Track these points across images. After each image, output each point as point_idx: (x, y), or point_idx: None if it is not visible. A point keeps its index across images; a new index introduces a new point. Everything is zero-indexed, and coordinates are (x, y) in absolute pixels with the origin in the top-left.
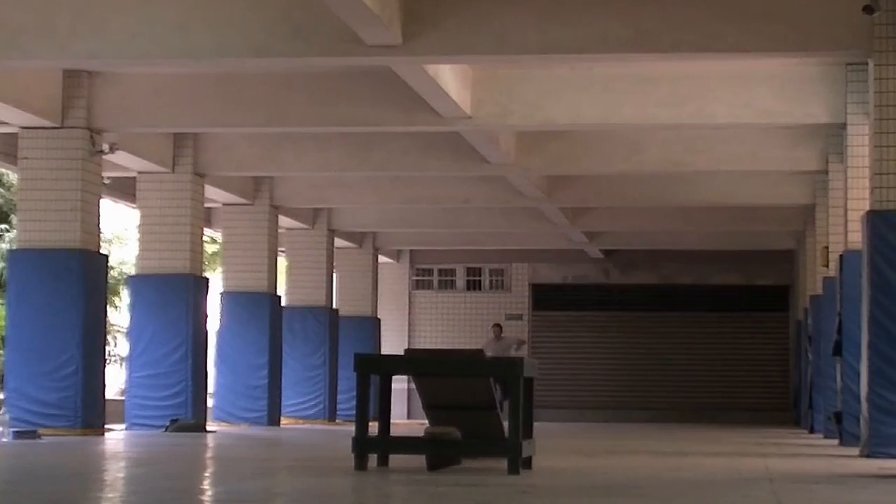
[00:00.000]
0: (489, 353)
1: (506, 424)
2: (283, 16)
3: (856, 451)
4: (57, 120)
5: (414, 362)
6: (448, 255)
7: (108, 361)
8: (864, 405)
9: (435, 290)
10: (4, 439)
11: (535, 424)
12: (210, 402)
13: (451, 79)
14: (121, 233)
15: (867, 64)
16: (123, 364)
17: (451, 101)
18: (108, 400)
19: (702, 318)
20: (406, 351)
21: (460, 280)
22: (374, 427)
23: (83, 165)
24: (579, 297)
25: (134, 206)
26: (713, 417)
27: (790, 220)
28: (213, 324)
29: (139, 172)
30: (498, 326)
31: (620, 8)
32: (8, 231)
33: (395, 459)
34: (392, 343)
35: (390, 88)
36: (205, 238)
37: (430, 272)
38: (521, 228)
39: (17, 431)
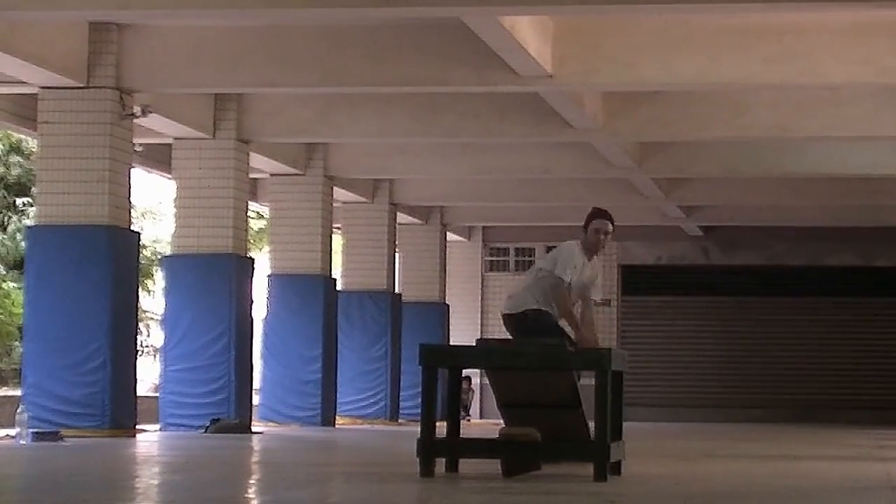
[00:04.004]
0: (574, 279)
1: (591, 424)
2: None
3: None
4: (82, 79)
5: (487, 354)
6: (525, 232)
7: (139, 353)
8: None
9: (511, 271)
10: (23, 441)
11: (625, 425)
12: (256, 400)
13: (529, 32)
14: (154, 207)
15: None
16: (157, 356)
17: (530, 58)
18: (140, 397)
19: (814, 304)
20: (478, 341)
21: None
22: (441, 428)
23: (112, 130)
24: (675, 280)
25: (169, 176)
26: (827, 417)
27: None
28: (260, 310)
29: (175, 138)
30: (604, 216)
31: None
32: (30, 205)
33: (466, 464)
34: (462, 332)
35: (460, 43)
36: (250, 213)
37: (505, 251)
38: (609, 202)
39: (38, 432)
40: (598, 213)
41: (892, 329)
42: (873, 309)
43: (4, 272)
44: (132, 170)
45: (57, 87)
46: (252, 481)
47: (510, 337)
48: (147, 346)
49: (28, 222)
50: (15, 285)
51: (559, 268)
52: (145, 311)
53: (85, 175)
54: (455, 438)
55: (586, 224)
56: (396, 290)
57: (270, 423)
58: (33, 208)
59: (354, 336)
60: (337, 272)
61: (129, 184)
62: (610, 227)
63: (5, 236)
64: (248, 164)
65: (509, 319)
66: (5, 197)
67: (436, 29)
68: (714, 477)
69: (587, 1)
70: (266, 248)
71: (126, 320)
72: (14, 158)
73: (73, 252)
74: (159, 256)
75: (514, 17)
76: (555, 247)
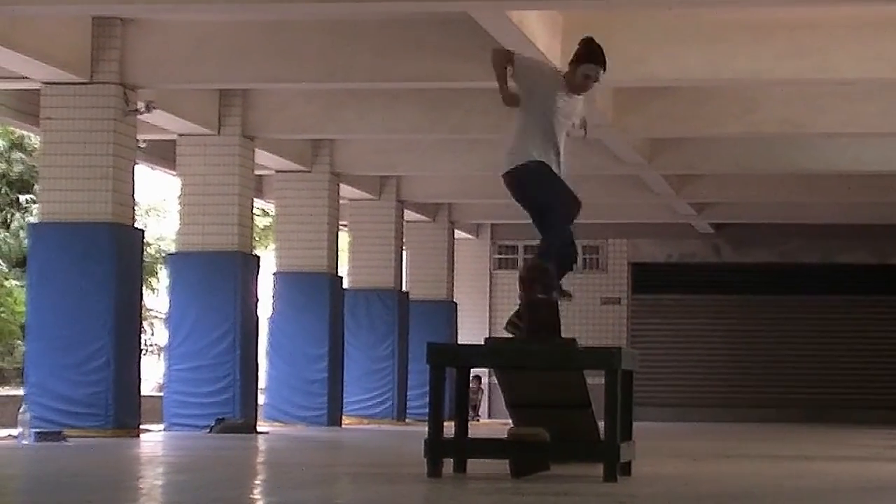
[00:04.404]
0: (558, 103)
1: (601, 425)
2: None
3: None
4: (85, 74)
5: (496, 353)
6: (535, 229)
7: (143, 352)
8: None
9: (519, 269)
10: (25, 441)
11: (635, 424)
12: (261, 399)
13: (538, 27)
14: (159, 204)
15: None
16: (161, 355)
17: (539, 53)
18: (144, 396)
19: (827, 303)
20: (487, 340)
21: None
22: (449, 428)
23: (115, 126)
24: (686, 278)
25: (174, 173)
26: (839, 416)
27: None
28: (265, 309)
29: (180, 135)
30: (596, 61)
31: None
32: (33, 202)
33: (474, 465)
34: (471, 331)
35: (468, 38)
36: (255, 210)
37: (513, 249)
38: (619, 199)
39: (40, 432)
40: (590, 56)
41: None
42: (887, 307)
43: (7, 270)
44: (136, 166)
45: (60, 83)
46: (257, 482)
47: (513, 195)
48: (151, 345)
49: (31, 219)
50: (17, 283)
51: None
52: (149, 310)
53: (88, 172)
54: (463, 439)
55: (574, 63)
56: (404, 289)
57: (276, 423)
58: (36, 205)
59: (361, 335)
60: (343, 270)
61: (133, 180)
62: (601, 73)
63: (8, 233)
64: (253, 160)
65: (510, 178)
66: (8, 194)
67: (443, 24)
68: (725, 477)
69: None
70: (272, 246)
71: (130, 319)
72: (16, 155)
73: (76, 250)
74: (163, 254)
75: (522, 12)
76: None
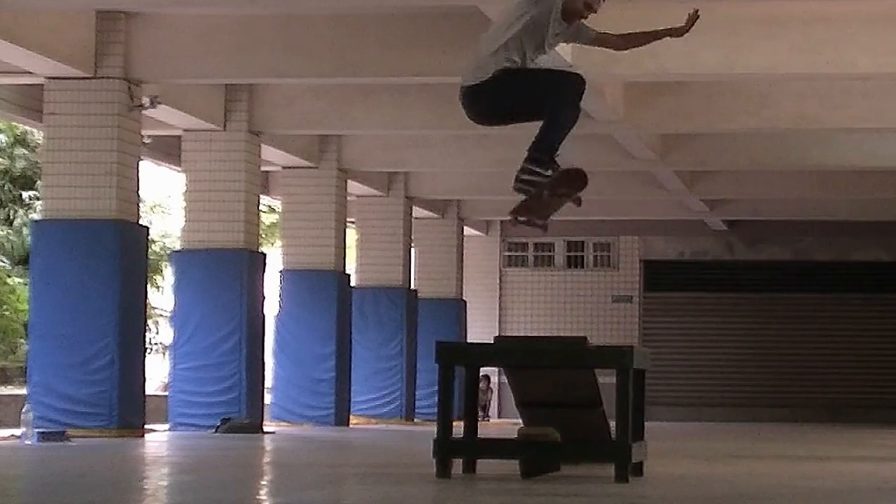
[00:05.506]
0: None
1: (612, 424)
2: None
3: None
4: (89, 69)
5: (505, 352)
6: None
7: (148, 351)
8: None
9: (530, 267)
10: (28, 441)
11: (647, 424)
12: (267, 399)
13: None
14: (163, 200)
15: None
16: (166, 354)
17: None
18: (149, 396)
19: (842, 301)
20: (496, 339)
21: (559, 256)
22: (458, 428)
23: (119, 122)
24: (698, 276)
25: (179, 169)
26: (855, 416)
27: None
28: (272, 307)
29: (185, 130)
30: None
31: None
32: (36, 199)
33: (484, 465)
34: (480, 330)
35: (477, 32)
36: (262, 207)
37: (524, 247)
38: (631, 195)
39: (44, 432)
40: None
41: None
42: None
43: (10, 267)
44: (140, 162)
45: (63, 78)
46: (264, 482)
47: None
48: (156, 344)
49: (34, 216)
50: (20, 281)
51: None
52: (154, 308)
53: (92, 168)
54: (472, 438)
55: None
56: (412, 286)
57: (282, 423)
58: (39, 202)
59: (369, 333)
60: (351, 267)
61: (138, 177)
62: (602, 4)
63: (11, 230)
64: (259, 156)
65: (472, 95)
66: (10, 190)
67: (452, 17)
68: (738, 478)
69: None
70: (278, 243)
71: (134, 317)
72: (19, 151)
73: (79, 247)
74: (168, 251)
75: None
76: (576, 242)
